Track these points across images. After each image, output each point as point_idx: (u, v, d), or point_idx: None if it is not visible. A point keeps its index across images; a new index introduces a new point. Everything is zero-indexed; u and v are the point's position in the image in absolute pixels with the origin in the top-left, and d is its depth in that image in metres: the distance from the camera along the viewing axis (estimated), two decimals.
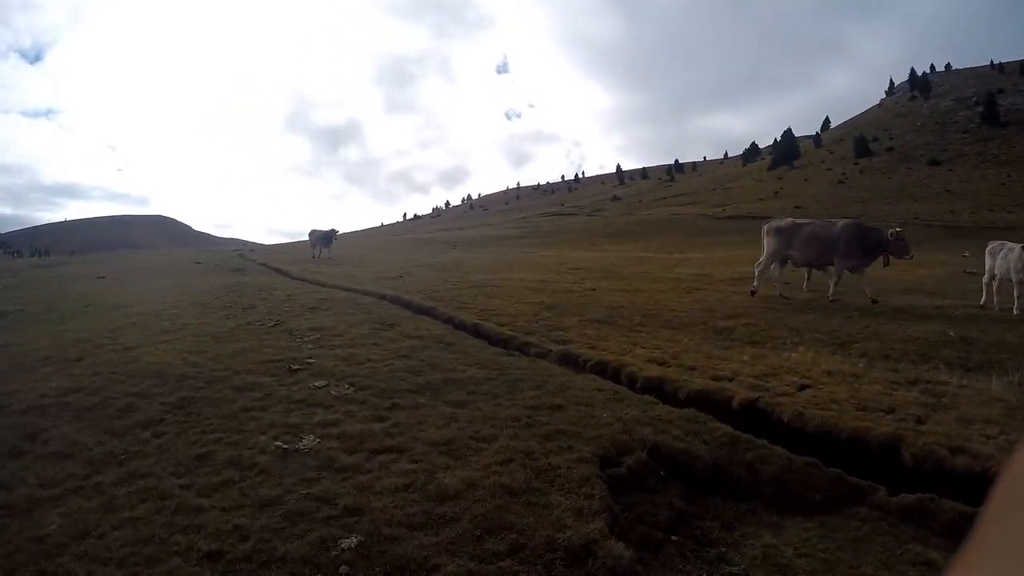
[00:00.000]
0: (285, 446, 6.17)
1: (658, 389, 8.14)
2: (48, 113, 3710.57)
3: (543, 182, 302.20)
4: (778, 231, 15.83)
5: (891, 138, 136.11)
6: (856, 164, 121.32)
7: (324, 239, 35.27)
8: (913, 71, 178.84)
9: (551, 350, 10.16)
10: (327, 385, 8.20)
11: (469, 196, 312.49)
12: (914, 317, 12.48)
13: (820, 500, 5.44)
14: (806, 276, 17.21)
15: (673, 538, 4.98)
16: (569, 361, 9.67)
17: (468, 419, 6.91)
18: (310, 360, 9.42)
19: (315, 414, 7.10)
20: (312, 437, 6.40)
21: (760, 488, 5.67)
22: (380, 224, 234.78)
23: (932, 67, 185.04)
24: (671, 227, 57.94)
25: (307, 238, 36.56)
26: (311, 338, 10.94)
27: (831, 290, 14.72)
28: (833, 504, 5.41)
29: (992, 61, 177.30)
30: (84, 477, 5.61)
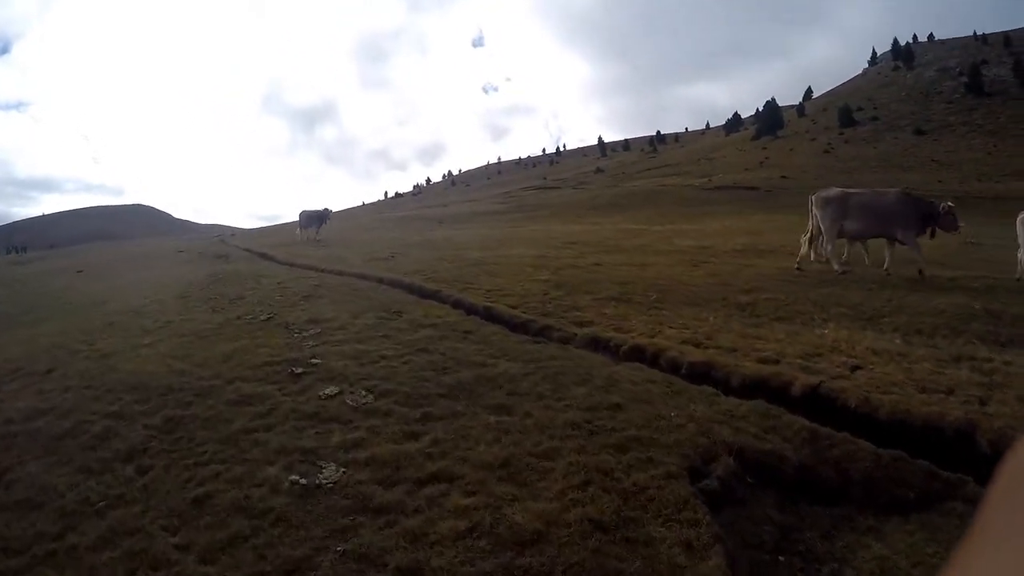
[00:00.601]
0: (303, 481, 5.01)
1: (706, 376, 7.43)
2: (19, 106, 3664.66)
3: (524, 156, 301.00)
4: (827, 201, 15.03)
5: (875, 108, 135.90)
6: (841, 134, 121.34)
7: (317, 219, 33.73)
8: (896, 41, 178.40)
9: (575, 334, 9.31)
10: (340, 393, 7.00)
11: (450, 172, 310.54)
12: (933, 289, 12.01)
13: (913, 498, 4.86)
14: (844, 251, 16.33)
15: (780, 558, 4.29)
16: (599, 346, 8.85)
17: (520, 429, 5.84)
18: (314, 361, 8.29)
19: (332, 433, 5.93)
20: (334, 466, 5.22)
21: (850, 489, 5.04)
22: (361, 203, 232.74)
23: (915, 37, 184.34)
24: (658, 199, 57.17)
25: (292, 220, 35.94)
26: (311, 333, 9.88)
27: (886, 262, 14.13)
28: (926, 501, 4.85)
29: (975, 32, 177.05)
30: (56, 537, 4.47)
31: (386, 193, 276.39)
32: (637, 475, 4.88)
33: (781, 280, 13.11)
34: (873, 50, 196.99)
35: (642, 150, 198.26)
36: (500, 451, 5.37)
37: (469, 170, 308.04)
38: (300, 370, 7.97)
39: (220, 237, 44.23)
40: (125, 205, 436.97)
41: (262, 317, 11.38)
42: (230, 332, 10.37)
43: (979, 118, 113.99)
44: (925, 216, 13.77)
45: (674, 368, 7.79)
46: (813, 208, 15.49)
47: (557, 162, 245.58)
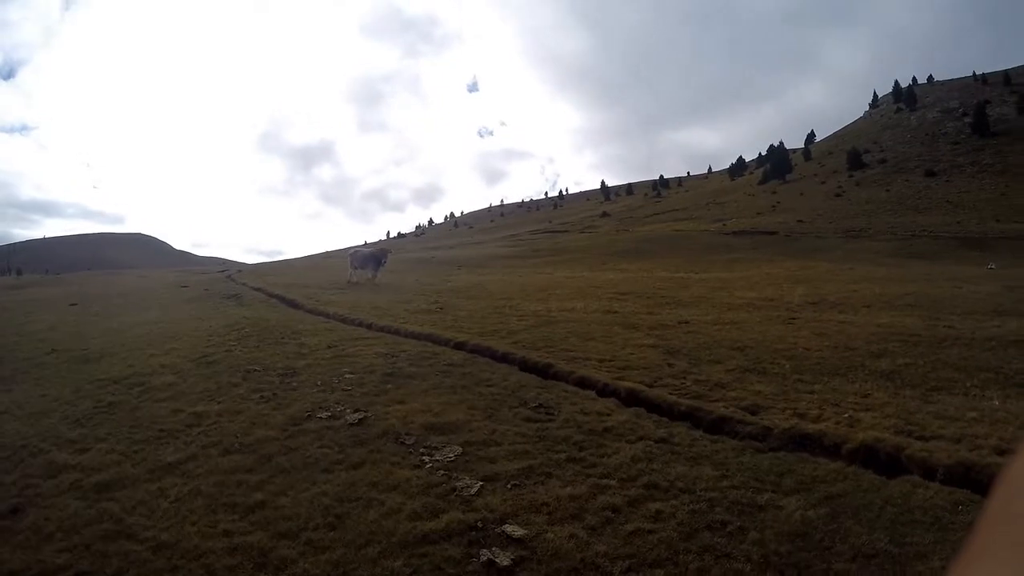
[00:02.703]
0: None
1: (968, 480, 5.62)
2: (23, 129, 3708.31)
3: (526, 199, 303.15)
4: None
5: (882, 150, 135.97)
6: (851, 176, 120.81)
7: (373, 260, 28.54)
8: (897, 83, 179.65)
9: (767, 427, 7.17)
10: None
11: (452, 214, 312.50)
12: None
13: None
14: None
15: None
16: (808, 445, 6.76)
17: None
18: (512, 532, 5.00)
19: None
20: None
21: None
22: (363, 243, 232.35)
23: (914, 79, 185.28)
24: (678, 244, 56.10)
25: (293, 256, 32.95)
26: (450, 456, 6.52)
27: None
28: None
29: (975, 72, 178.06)
30: None
31: (388, 233, 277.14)
32: None
33: (893, 341, 11.53)
34: (874, 92, 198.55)
35: (645, 194, 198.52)
36: None
37: (471, 212, 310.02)
38: (503, 559, 4.67)
39: (226, 273, 41.69)
40: (126, 233, 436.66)
41: (350, 418, 7.80)
42: (314, 455, 6.70)
43: (987, 158, 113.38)
44: None
45: (927, 472, 5.93)
46: None
47: (560, 206, 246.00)
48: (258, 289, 26.14)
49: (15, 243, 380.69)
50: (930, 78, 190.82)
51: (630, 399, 8.50)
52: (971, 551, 0.54)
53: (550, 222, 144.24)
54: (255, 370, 10.70)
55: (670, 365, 10.14)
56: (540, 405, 8.26)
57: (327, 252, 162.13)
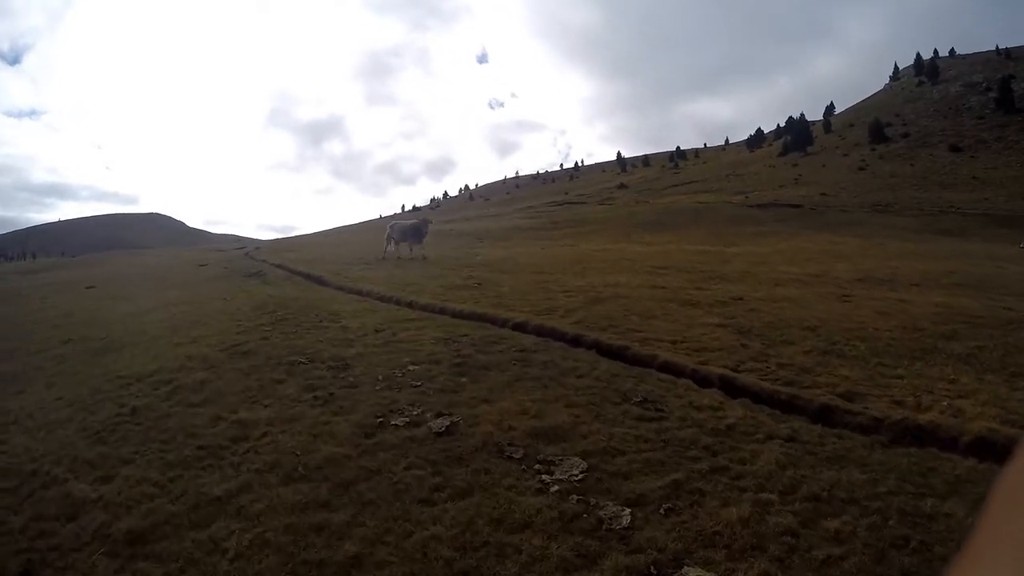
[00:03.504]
0: None
1: None
2: (32, 113, 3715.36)
3: (541, 171, 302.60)
4: None
5: (904, 123, 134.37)
6: (873, 150, 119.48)
7: (414, 232, 26.29)
8: (919, 56, 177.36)
9: (877, 419, 6.65)
10: None
11: (466, 186, 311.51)
12: None
13: None
14: None
15: None
16: (922, 438, 6.27)
17: None
18: None
19: None
20: None
21: None
22: (378, 216, 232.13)
23: (936, 52, 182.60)
24: (702, 216, 55.13)
25: (307, 231, 31.32)
26: (571, 475, 5.46)
27: None
28: None
29: (997, 47, 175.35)
30: None
31: (403, 206, 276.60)
32: None
33: (958, 322, 11.13)
34: (895, 65, 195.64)
35: (662, 166, 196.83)
36: None
37: (486, 184, 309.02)
38: None
39: (244, 250, 40.81)
40: (140, 213, 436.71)
41: (434, 424, 6.66)
42: (405, 479, 5.53)
43: (1013, 134, 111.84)
44: None
45: None
46: None
47: (576, 177, 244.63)
48: (279, 266, 25.38)
49: (30, 227, 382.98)
50: (952, 51, 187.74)
51: (728, 387, 7.84)
52: (972, 550, 0.54)
53: (566, 194, 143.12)
54: (300, 362, 9.45)
55: (744, 346, 9.63)
56: (644, 399, 7.29)
57: (341, 227, 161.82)
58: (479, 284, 16.65)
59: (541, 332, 10.67)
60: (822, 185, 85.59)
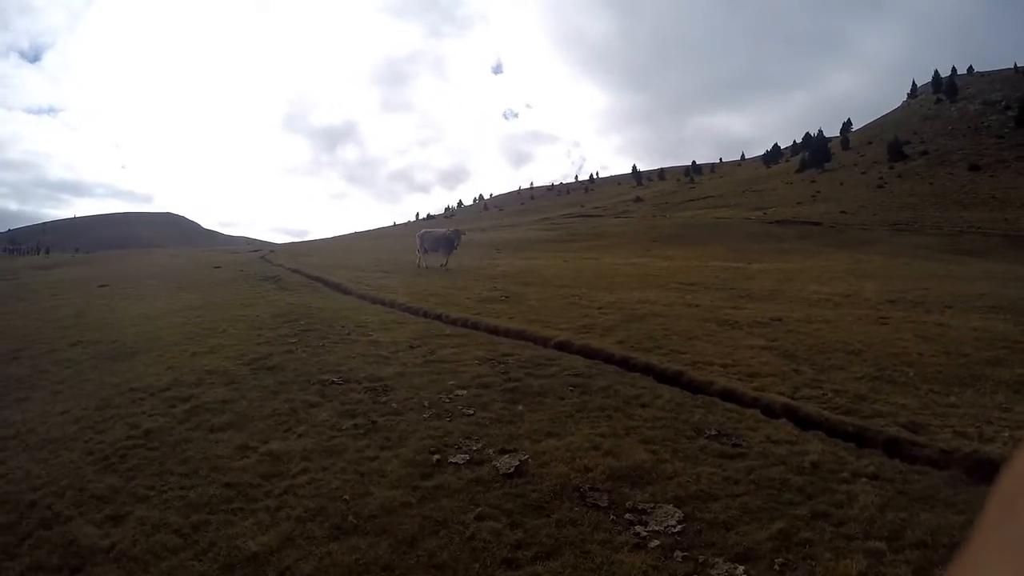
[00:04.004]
0: None
1: None
2: (50, 111, 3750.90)
3: (556, 182, 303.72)
4: None
5: (923, 141, 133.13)
6: (891, 168, 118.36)
7: (444, 242, 25.93)
8: (937, 73, 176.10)
9: (948, 451, 6.38)
10: None
11: (481, 196, 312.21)
12: None
13: None
14: None
15: None
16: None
17: None
18: None
19: None
20: None
21: None
22: (393, 223, 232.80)
23: (954, 69, 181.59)
24: (721, 232, 54.87)
25: (320, 236, 30.95)
26: (667, 526, 4.90)
27: None
28: None
29: (1016, 64, 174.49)
30: None
31: (417, 214, 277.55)
32: None
33: (1000, 347, 10.80)
34: (913, 82, 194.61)
35: (678, 180, 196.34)
36: None
37: (501, 195, 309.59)
38: None
39: (259, 253, 40.57)
40: (155, 212, 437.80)
41: (500, 464, 5.93)
42: (480, 534, 4.85)
43: None
44: None
45: None
46: None
47: (591, 190, 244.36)
48: (296, 271, 24.93)
49: (45, 222, 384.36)
50: (970, 69, 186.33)
51: (792, 417, 7.43)
52: (972, 551, 0.54)
53: (582, 206, 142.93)
54: (333, 381, 8.72)
55: (796, 372, 9.29)
56: (719, 433, 6.76)
57: (355, 233, 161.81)
58: (507, 297, 16.25)
59: (587, 353, 10.12)
60: (841, 203, 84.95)
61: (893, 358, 10.02)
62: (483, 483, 5.60)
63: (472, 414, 7.37)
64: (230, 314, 14.22)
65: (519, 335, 11.44)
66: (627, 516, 5.00)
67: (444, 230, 27.60)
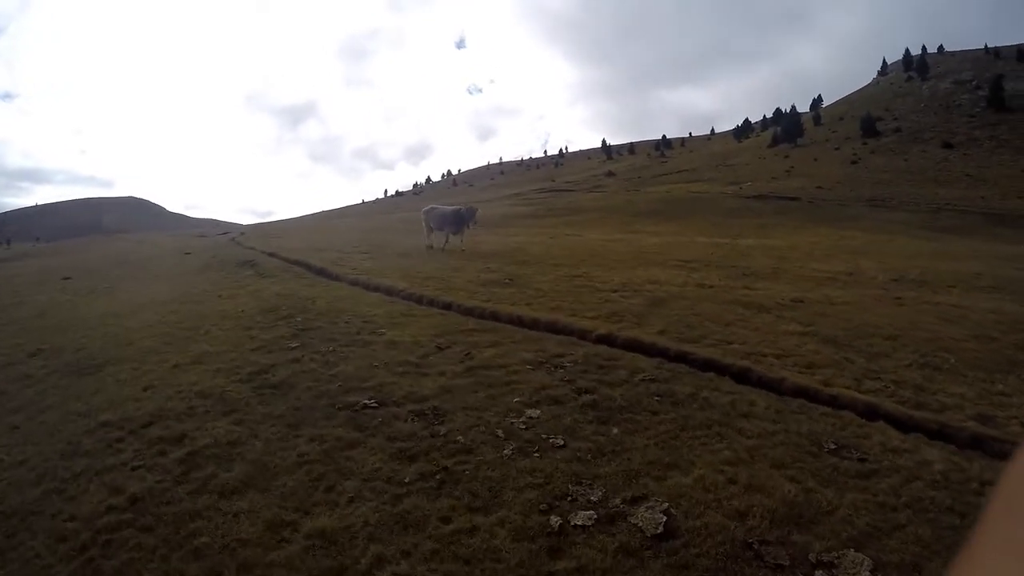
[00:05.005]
0: None
1: None
2: (5, 97, 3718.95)
3: (525, 157, 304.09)
4: None
5: (895, 118, 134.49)
6: (865, 144, 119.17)
7: (453, 219, 23.08)
8: (908, 51, 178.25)
9: None
10: None
11: (449, 171, 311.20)
12: None
13: None
14: None
15: None
16: None
17: None
18: None
19: None
20: None
21: None
22: (361, 200, 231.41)
23: (924, 48, 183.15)
24: (700, 207, 54.59)
25: (287, 216, 28.83)
26: None
27: None
28: None
29: (987, 45, 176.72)
30: None
31: (385, 191, 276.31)
32: None
33: (1021, 331, 10.78)
34: (884, 60, 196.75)
35: (648, 154, 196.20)
36: None
37: (469, 170, 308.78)
38: None
39: (229, 235, 39.03)
40: (120, 197, 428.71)
41: (642, 521, 4.63)
42: None
43: (1004, 133, 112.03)
44: None
45: None
46: None
47: (561, 164, 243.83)
48: (272, 254, 23.36)
49: (5, 212, 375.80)
50: (940, 48, 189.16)
51: (875, 416, 6.77)
52: (973, 549, 0.54)
53: (553, 181, 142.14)
54: (365, 404, 6.96)
55: (849, 361, 8.75)
56: (838, 446, 5.94)
57: (323, 212, 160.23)
58: (511, 280, 15.05)
59: (633, 347, 9.07)
60: (815, 178, 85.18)
61: (929, 343, 9.74)
62: (633, 553, 4.26)
63: (563, 444, 5.97)
64: (210, 309, 12.76)
65: (552, 327, 10.27)
66: (817, 574, 4.03)
67: (456, 206, 24.68)
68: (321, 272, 17.68)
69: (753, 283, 15.09)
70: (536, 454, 5.77)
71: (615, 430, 6.22)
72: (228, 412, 6.94)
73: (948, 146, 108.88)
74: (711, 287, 14.24)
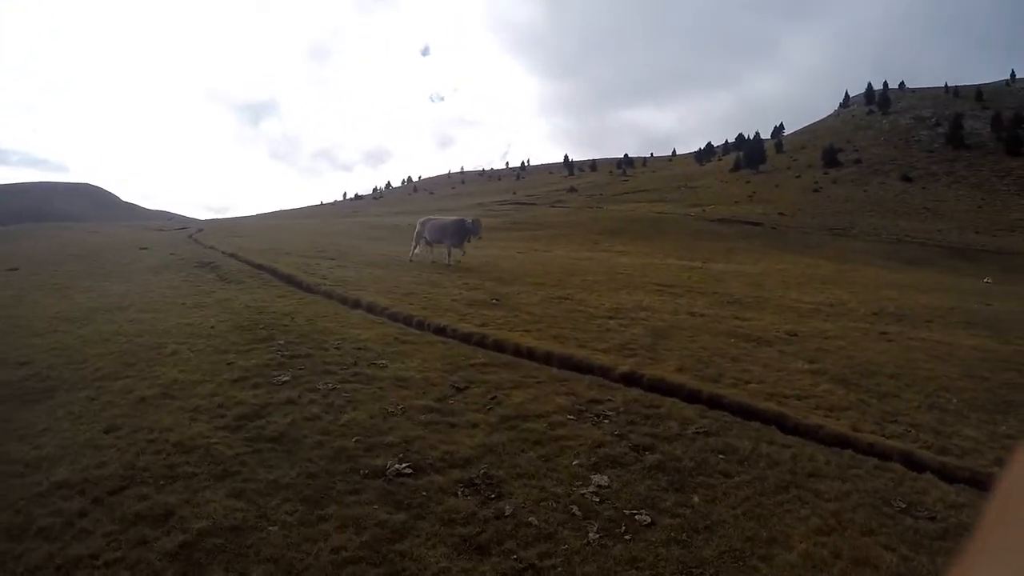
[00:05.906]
0: None
1: None
2: None
3: (486, 167, 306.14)
4: None
5: (856, 150, 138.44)
6: (826, 173, 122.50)
7: (454, 232, 21.41)
8: (870, 85, 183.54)
9: None
10: None
11: (409, 178, 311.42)
12: None
13: None
14: None
15: None
16: None
17: None
18: None
19: None
20: None
21: None
22: (320, 203, 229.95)
23: (886, 84, 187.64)
24: (665, 227, 55.09)
25: (244, 214, 27.51)
26: None
27: None
28: None
29: (946, 84, 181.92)
30: None
31: (344, 194, 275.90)
32: None
33: (1010, 370, 10.73)
34: (846, 92, 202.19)
35: (610, 172, 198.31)
36: None
37: (430, 177, 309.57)
38: None
39: (187, 231, 37.07)
40: (72, 183, 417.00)
41: None
42: None
43: (961, 169, 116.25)
44: None
45: None
46: None
47: (523, 177, 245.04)
48: (233, 255, 22.23)
49: None
50: (902, 84, 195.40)
51: (919, 467, 6.48)
52: (971, 552, 0.54)
53: (514, 193, 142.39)
54: (395, 468, 5.70)
55: (864, 404, 8.44)
56: (908, 504, 5.56)
57: (281, 211, 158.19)
58: (497, 300, 14.29)
59: (662, 388, 8.39)
60: (778, 204, 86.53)
61: (929, 382, 9.67)
62: None
63: (651, 522, 5.03)
64: (174, 321, 11.15)
65: (567, 362, 9.37)
66: None
67: (456, 217, 22.78)
68: (290, 280, 16.61)
69: (741, 312, 14.84)
70: (627, 537, 4.82)
71: (695, 498, 5.46)
72: (221, 477, 5.43)
73: (907, 179, 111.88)
74: (702, 316, 13.84)
